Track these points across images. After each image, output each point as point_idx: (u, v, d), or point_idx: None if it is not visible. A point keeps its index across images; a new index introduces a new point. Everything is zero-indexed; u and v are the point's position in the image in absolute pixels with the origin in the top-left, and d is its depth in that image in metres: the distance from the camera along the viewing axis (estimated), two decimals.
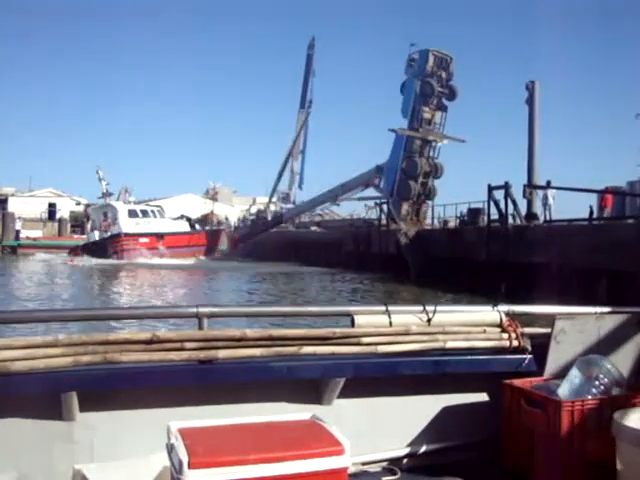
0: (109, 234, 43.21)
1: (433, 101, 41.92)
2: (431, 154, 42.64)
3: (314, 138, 64.04)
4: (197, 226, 52.28)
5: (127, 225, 43.75)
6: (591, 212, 25.78)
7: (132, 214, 45.12)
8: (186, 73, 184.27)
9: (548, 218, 26.14)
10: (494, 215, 26.60)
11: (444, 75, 41.82)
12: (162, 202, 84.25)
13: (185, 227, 49.12)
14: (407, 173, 41.41)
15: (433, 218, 39.68)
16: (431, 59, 41.35)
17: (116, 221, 43.93)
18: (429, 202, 42.19)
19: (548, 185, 26.61)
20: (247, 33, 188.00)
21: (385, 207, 39.12)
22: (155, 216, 46.92)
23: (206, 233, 51.62)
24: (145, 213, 46.41)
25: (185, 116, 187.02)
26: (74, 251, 44.49)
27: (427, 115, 41.92)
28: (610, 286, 18.00)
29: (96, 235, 44.26)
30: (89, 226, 47.13)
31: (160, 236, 44.34)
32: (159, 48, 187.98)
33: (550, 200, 26.31)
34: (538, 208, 27.22)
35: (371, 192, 46.55)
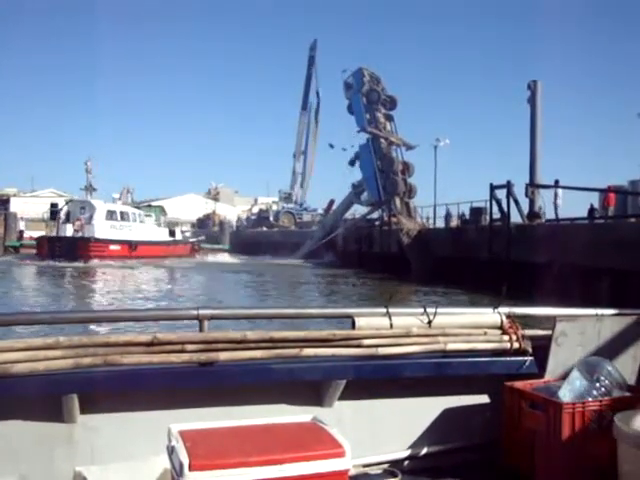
0: (80, 235, 39.68)
1: (381, 109, 44.71)
2: (398, 155, 44.60)
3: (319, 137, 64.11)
4: (179, 233, 49.70)
5: (101, 228, 40.34)
6: (592, 210, 25.71)
7: (110, 216, 41.85)
8: (188, 74, 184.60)
9: (557, 217, 26.12)
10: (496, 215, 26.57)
11: (379, 87, 45.27)
12: (164, 202, 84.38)
13: (164, 236, 46.47)
14: (386, 171, 42.74)
15: (435, 217, 39.84)
16: (366, 74, 45.03)
17: (91, 221, 40.52)
18: (413, 200, 43.58)
19: (556, 184, 26.58)
20: (250, 33, 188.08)
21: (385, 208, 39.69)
22: (136, 220, 43.95)
23: (192, 244, 49.80)
24: (125, 216, 43.02)
25: (187, 117, 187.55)
26: (41, 246, 40.61)
27: (382, 120, 44.71)
28: (613, 285, 17.95)
29: (67, 230, 40.45)
30: (62, 217, 42.24)
31: (134, 245, 41.10)
32: (161, 49, 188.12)
33: (559, 200, 26.31)
34: (547, 207, 27.23)
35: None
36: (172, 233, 48.06)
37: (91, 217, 40.93)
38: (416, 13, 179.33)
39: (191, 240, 51.95)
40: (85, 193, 43.93)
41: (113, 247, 40.06)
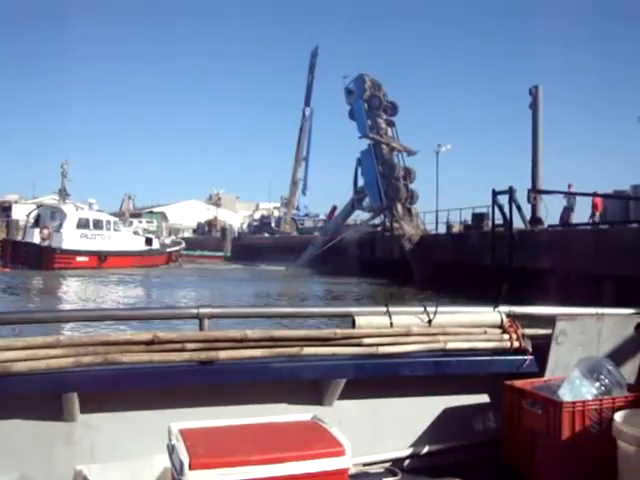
0: (46, 244, 37.30)
1: (382, 115, 44.47)
2: (399, 160, 44.33)
3: (321, 143, 64.83)
4: (155, 241, 46.93)
5: (69, 238, 37.96)
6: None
7: (82, 224, 39.38)
8: (189, 80, 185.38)
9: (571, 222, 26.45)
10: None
11: (381, 93, 45.04)
12: (166, 208, 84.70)
13: (139, 245, 43.93)
14: (388, 176, 42.64)
15: (437, 223, 39.86)
16: (367, 80, 44.86)
17: (60, 229, 38.14)
18: (415, 206, 43.24)
19: (569, 188, 26.98)
20: (250, 38, 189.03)
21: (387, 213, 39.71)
22: (110, 228, 41.17)
23: (168, 254, 47.36)
24: (99, 224, 40.50)
25: (188, 124, 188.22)
26: (4, 250, 38.10)
27: (383, 126, 44.46)
28: (617, 291, 17.89)
29: (35, 235, 37.95)
30: (31, 221, 39.78)
31: (103, 256, 38.83)
32: (161, 55, 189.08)
33: (572, 201, 26.71)
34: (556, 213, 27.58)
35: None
36: (149, 241, 45.67)
37: (60, 225, 38.70)
38: (417, 19, 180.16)
39: (169, 250, 48.96)
40: (60, 198, 41.79)
41: (80, 258, 37.85)
